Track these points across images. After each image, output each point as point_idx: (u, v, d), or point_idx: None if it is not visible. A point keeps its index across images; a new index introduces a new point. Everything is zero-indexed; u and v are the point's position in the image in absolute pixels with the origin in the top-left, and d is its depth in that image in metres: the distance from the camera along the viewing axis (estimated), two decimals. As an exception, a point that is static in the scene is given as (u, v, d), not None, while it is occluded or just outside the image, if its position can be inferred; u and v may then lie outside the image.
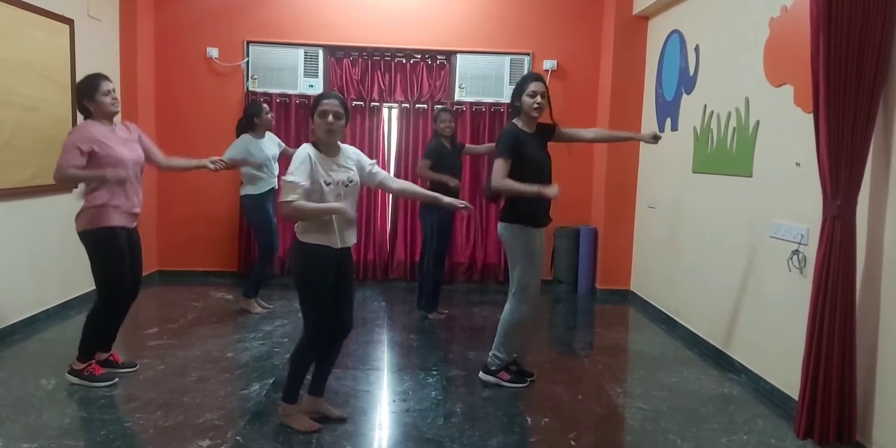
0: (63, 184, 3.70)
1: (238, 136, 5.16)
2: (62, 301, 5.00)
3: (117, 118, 3.72)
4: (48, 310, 4.84)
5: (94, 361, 3.69)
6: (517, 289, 3.72)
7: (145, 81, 6.07)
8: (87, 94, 3.57)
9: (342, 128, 3.00)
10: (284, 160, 5.46)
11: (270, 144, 5.23)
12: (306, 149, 2.98)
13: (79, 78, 5.04)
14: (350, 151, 3.15)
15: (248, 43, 6.29)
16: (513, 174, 3.58)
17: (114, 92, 3.63)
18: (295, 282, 3.07)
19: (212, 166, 3.92)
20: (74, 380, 3.63)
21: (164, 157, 3.91)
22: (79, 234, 3.58)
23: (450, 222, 5.19)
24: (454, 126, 5.16)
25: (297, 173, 2.89)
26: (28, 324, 4.60)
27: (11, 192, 4.39)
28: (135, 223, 3.71)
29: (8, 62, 4.32)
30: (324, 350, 3.18)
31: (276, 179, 5.17)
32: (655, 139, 4.02)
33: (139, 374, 3.81)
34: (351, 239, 3.11)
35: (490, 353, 3.84)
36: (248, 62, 6.31)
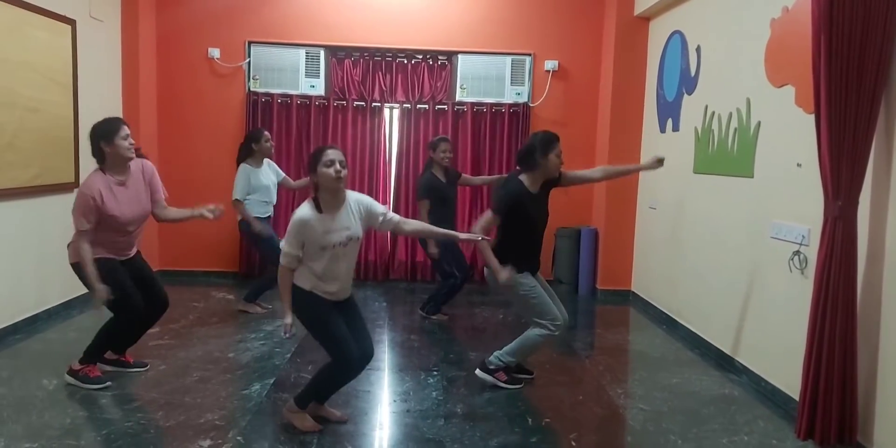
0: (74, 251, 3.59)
1: (239, 160, 5.10)
2: (64, 300, 5.00)
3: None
4: (49, 309, 4.85)
5: (94, 364, 3.68)
6: (545, 322, 3.69)
7: (147, 82, 6.08)
8: (105, 137, 3.46)
9: (347, 176, 3.00)
10: (284, 189, 5.48)
11: (269, 172, 5.18)
12: (303, 213, 2.97)
13: (81, 79, 5.12)
14: (356, 204, 3.10)
15: (250, 43, 6.30)
16: (507, 228, 3.66)
17: (130, 137, 3.52)
18: (304, 325, 3.14)
19: (210, 215, 3.79)
20: (70, 380, 3.63)
21: (163, 208, 3.80)
22: (71, 266, 3.56)
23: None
24: (451, 155, 5.13)
25: (289, 243, 2.99)
26: (30, 323, 4.61)
27: (14, 192, 4.40)
28: (131, 253, 3.70)
29: (10, 63, 4.33)
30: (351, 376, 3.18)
31: (272, 207, 5.20)
32: (660, 163, 4.08)
33: (141, 374, 3.81)
34: (347, 292, 3.15)
35: (496, 354, 3.81)
36: (249, 62, 6.32)
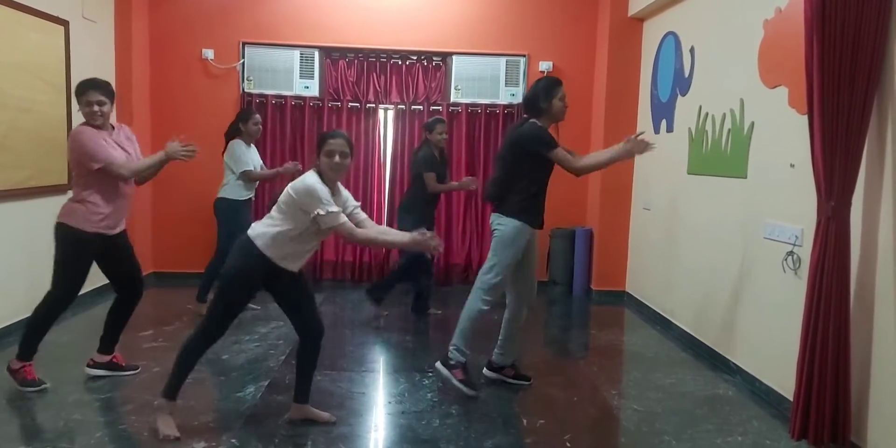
0: (138, 178, 3.68)
1: (227, 137, 5.15)
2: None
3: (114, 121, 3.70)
4: (43, 312, 4.82)
5: (31, 363, 3.62)
6: (490, 279, 3.66)
7: (140, 83, 6.06)
8: (77, 98, 3.53)
9: (347, 166, 3.03)
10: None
11: (255, 154, 5.24)
12: (316, 180, 2.94)
13: (74, 80, 5.08)
14: (341, 190, 3.14)
15: (244, 44, 6.28)
16: (531, 168, 3.60)
17: (97, 104, 3.51)
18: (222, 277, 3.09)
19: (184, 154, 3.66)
20: (99, 372, 3.70)
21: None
22: (56, 225, 3.54)
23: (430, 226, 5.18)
24: (447, 138, 5.21)
25: (330, 203, 2.91)
26: (22, 326, 4.57)
27: (6, 193, 4.38)
28: (117, 230, 3.65)
29: (2, 64, 4.31)
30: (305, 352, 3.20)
31: (254, 192, 5.22)
32: (637, 149, 3.64)
33: (134, 377, 3.80)
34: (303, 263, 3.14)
35: (451, 346, 3.72)
36: (243, 63, 6.31)
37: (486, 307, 3.69)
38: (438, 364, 3.76)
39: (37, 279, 4.76)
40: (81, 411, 3.31)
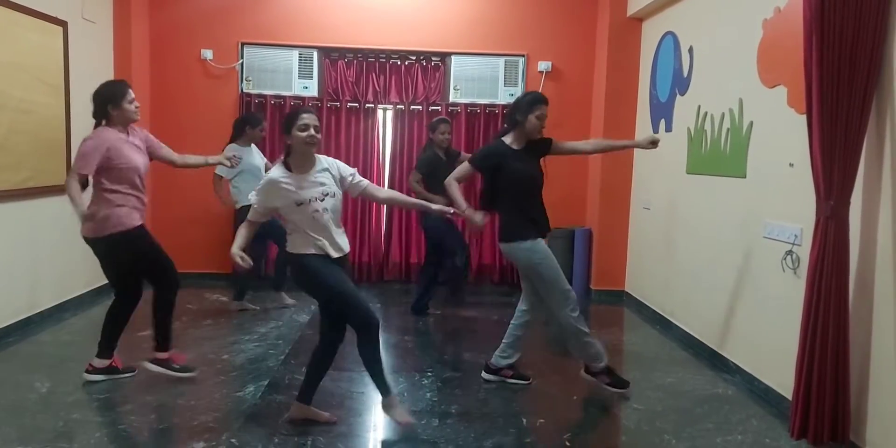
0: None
1: (234, 133, 5.23)
2: (56, 303, 4.98)
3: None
4: (42, 312, 4.82)
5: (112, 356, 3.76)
6: (561, 298, 3.65)
7: (140, 84, 6.05)
8: (112, 100, 3.59)
9: (320, 140, 3.12)
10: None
11: (257, 156, 5.29)
12: (272, 173, 3.10)
13: (72, 80, 5.10)
14: (325, 163, 3.18)
15: (243, 44, 6.28)
16: (501, 185, 3.66)
17: (135, 100, 3.68)
18: (310, 292, 3.22)
19: (228, 163, 4.14)
20: (98, 377, 3.67)
21: (179, 156, 4.02)
22: (98, 241, 3.58)
23: (447, 223, 5.22)
24: (450, 137, 5.23)
25: (257, 199, 3.13)
26: (22, 326, 4.58)
27: (5, 194, 4.38)
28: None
29: (1, 65, 4.31)
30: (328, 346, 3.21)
31: None
32: (654, 144, 3.87)
33: (134, 377, 3.79)
34: (344, 247, 3.16)
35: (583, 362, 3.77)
36: (242, 64, 6.30)
37: (574, 314, 3.68)
38: (583, 374, 3.82)
39: (37, 279, 4.79)
40: (81, 411, 3.31)
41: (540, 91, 6.31)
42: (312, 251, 3.07)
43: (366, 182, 3.30)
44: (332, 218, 3.12)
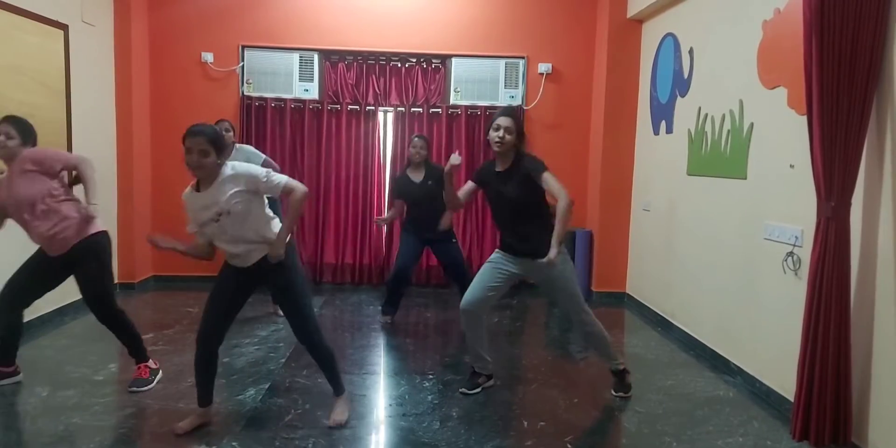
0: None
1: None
2: (56, 307, 4.97)
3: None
4: (42, 316, 4.82)
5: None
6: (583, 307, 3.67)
7: (140, 86, 6.07)
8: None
9: (213, 164, 2.91)
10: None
11: (240, 156, 5.09)
12: (184, 193, 3.07)
13: (73, 83, 5.11)
14: (231, 176, 2.95)
15: (243, 47, 6.29)
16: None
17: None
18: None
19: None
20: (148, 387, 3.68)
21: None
22: (94, 240, 3.60)
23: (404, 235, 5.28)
24: (425, 152, 5.08)
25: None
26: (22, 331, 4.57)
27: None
28: (53, 250, 3.57)
29: (1, 68, 4.31)
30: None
31: None
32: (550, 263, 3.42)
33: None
34: (246, 261, 3.10)
35: (614, 364, 3.74)
36: (242, 67, 6.31)
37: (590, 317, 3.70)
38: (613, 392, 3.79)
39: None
40: (81, 415, 3.31)
41: (539, 94, 6.36)
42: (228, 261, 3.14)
43: (283, 182, 3.02)
44: (237, 234, 3.02)
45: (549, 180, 3.47)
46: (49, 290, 3.69)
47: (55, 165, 3.52)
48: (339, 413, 3.29)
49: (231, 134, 5.09)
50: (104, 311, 3.65)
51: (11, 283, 3.60)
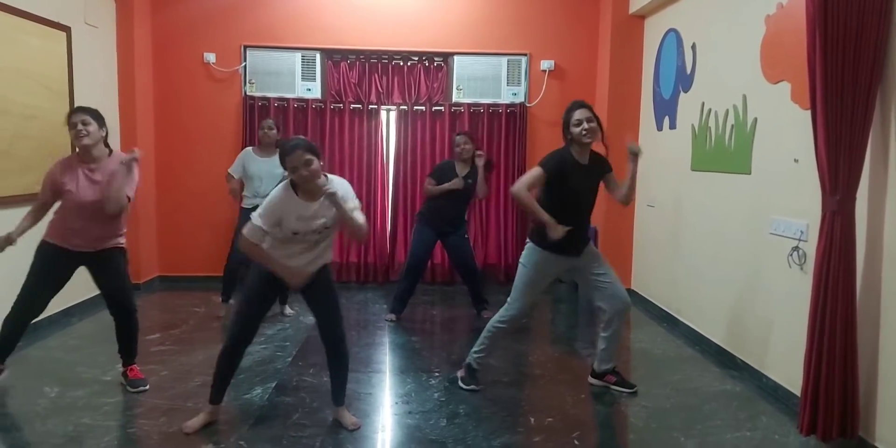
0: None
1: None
2: (63, 308, 4.99)
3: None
4: (50, 316, 4.82)
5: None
6: (511, 300, 3.71)
7: (143, 88, 6.07)
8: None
9: (316, 171, 2.95)
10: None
11: (273, 164, 5.05)
12: (281, 191, 3.02)
13: (76, 85, 5.12)
14: (339, 191, 2.99)
15: (246, 47, 6.29)
16: (552, 198, 3.55)
17: (79, 125, 3.58)
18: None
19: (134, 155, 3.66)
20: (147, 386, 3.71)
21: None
22: (121, 249, 3.70)
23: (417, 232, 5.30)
24: (470, 148, 5.13)
25: (263, 217, 2.99)
26: (30, 331, 4.54)
27: (11, 199, 4.39)
28: (76, 248, 3.57)
29: (4, 71, 4.32)
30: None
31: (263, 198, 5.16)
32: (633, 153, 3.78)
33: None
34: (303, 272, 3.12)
35: (471, 355, 3.80)
36: (245, 67, 6.32)
37: (502, 326, 3.74)
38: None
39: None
40: (91, 415, 3.32)
41: (541, 91, 6.35)
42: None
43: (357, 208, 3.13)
44: (316, 256, 3.13)
45: (615, 177, 3.84)
46: (58, 292, 3.70)
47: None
48: (350, 417, 3.28)
49: (275, 132, 5.21)
50: (126, 304, 3.69)
51: (28, 291, 3.60)
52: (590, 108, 3.56)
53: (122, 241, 3.69)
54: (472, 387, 3.74)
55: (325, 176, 3.03)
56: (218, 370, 3.23)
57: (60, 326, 4.84)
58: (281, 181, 3.26)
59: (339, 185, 3.06)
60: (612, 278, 3.72)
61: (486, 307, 5.32)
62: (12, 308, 3.60)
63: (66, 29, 5.02)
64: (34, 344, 4.45)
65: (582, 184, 3.60)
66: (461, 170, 5.14)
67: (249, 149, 5.22)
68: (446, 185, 5.06)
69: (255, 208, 5.08)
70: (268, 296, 3.20)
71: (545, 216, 3.45)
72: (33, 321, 3.71)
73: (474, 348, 3.81)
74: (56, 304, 4.88)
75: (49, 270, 3.59)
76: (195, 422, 3.17)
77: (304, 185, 2.98)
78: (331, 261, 3.25)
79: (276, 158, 5.06)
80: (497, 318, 3.75)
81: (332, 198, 2.92)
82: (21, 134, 4.47)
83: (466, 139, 5.15)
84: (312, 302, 3.24)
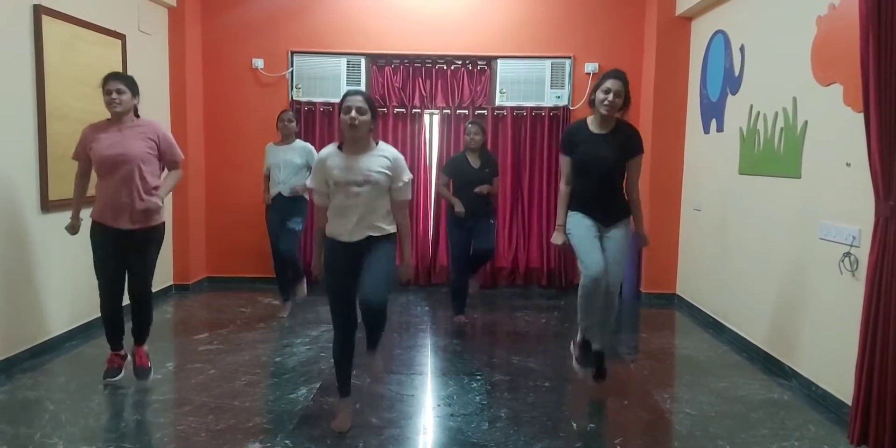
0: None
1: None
2: (117, 307, 5.13)
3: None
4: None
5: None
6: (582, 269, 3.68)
7: (194, 92, 6.23)
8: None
9: (367, 123, 3.06)
10: None
11: (292, 153, 5.24)
12: (323, 151, 3.23)
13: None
14: (390, 156, 3.15)
15: (292, 53, 6.40)
16: (571, 165, 3.68)
17: (114, 93, 3.63)
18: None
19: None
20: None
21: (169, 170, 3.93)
22: (159, 226, 3.83)
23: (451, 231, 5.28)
24: (480, 139, 5.09)
25: (312, 176, 3.25)
26: (84, 330, 4.74)
27: (69, 202, 4.52)
28: (124, 224, 3.68)
29: (64, 78, 4.48)
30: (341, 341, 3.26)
31: (283, 185, 5.21)
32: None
33: (191, 379, 3.90)
34: (354, 235, 3.13)
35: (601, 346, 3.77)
36: (292, 72, 6.42)
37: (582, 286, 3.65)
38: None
39: (96, 284, 4.92)
40: (141, 412, 3.43)
41: (585, 94, 6.30)
42: (331, 235, 3.20)
43: (408, 197, 3.29)
44: (364, 208, 3.10)
45: (639, 165, 3.71)
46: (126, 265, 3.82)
47: (167, 150, 3.79)
48: (378, 366, 3.43)
49: (294, 124, 5.35)
50: (146, 289, 3.85)
51: (100, 273, 3.78)
52: (625, 83, 3.52)
53: (159, 218, 3.77)
54: (580, 367, 3.79)
55: (377, 142, 3.20)
56: (335, 363, 3.30)
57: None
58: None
59: (391, 152, 3.20)
60: (611, 260, 3.63)
61: (463, 311, 5.34)
62: (99, 295, 3.80)
63: (122, 36, 5.18)
64: (89, 342, 4.59)
65: (590, 152, 3.59)
66: (474, 161, 5.11)
67: (270, 143, 5.40)
68: (453, 202, 5.09)
69: (273, 203, 5.22)
70: (350, 268, 3.14)
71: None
72: (124, 304, 3.84)
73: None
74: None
75: (105, 253, 3.76)
76: (342, 419, 3.24)
77: (349, 134, 3.08)
78: (393, 235, 3.23)
79: (294, 147, 5.30)
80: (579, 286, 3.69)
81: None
82: (78, 138, 4.60)
83: (478, 129, 5.09)
84: (363, 269, 3.15)
